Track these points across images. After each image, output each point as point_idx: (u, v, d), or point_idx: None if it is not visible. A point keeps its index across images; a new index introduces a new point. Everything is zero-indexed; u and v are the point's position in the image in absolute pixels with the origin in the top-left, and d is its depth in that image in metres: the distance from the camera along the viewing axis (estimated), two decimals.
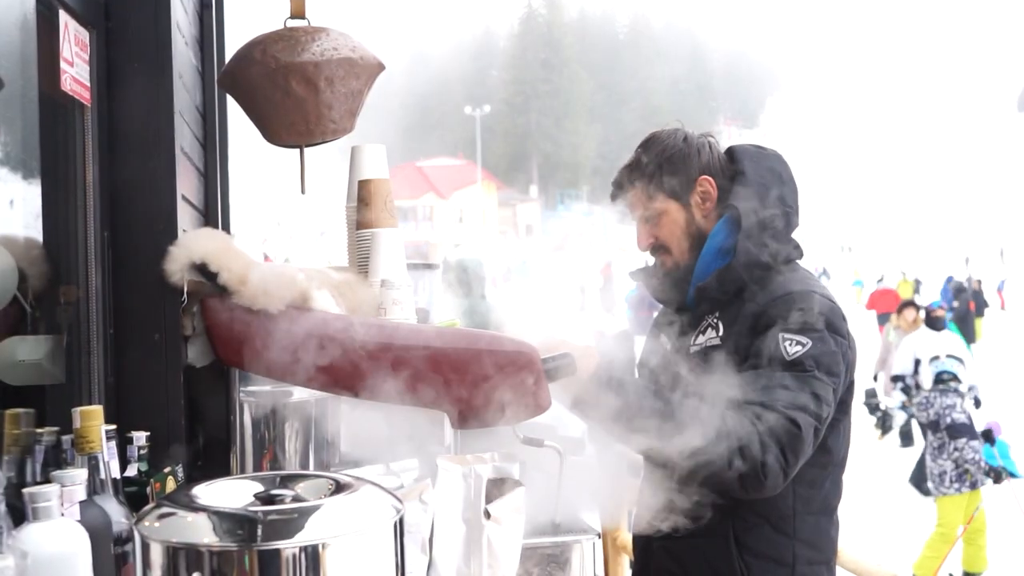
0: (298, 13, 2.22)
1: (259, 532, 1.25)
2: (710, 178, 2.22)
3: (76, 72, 1.86)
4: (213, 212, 3.04)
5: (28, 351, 2.01)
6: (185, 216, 2.37)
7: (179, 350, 2.09)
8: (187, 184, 2.41)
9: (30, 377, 2.01)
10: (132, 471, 1.95)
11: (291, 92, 2.11)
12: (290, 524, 1.27)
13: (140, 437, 1.96)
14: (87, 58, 1.94)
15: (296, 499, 1.34)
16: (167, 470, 1.95)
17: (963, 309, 20.69)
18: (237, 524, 1.26)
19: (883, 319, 20.38)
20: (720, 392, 2.02)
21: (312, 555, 1.26)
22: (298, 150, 2.28)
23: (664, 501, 2.10)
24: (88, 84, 1.94)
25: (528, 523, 1.98)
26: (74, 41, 1.85)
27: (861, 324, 20.98)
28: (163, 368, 2.08)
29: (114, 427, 1.76)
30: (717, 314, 2.17)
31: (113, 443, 1.76)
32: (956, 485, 6.99)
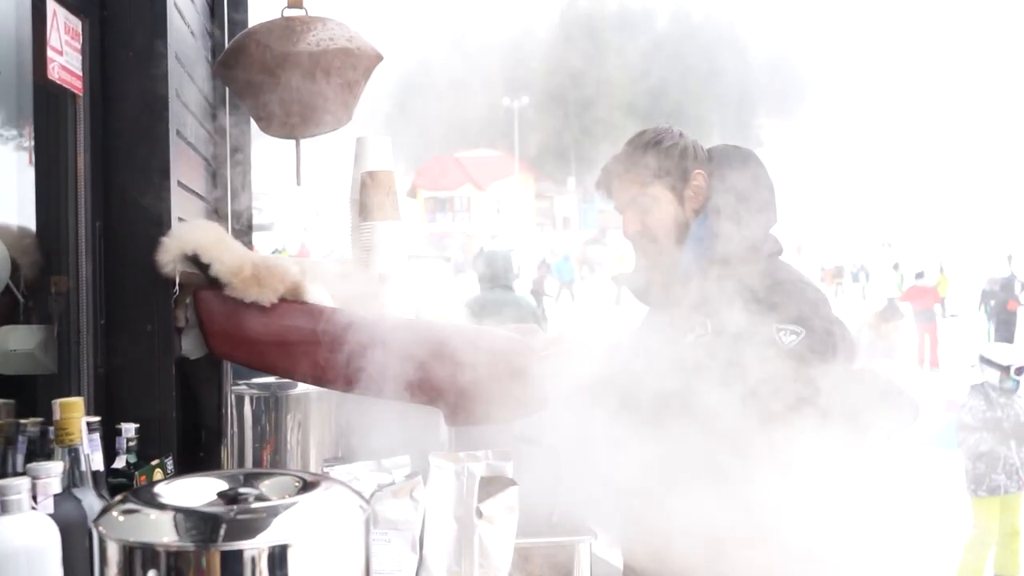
0: (296, 3, 2.19)
1: (218, 531, 1.22)
2: (703, 172, 2.22)
3: (65, 61, 1.85)
4: (223, 203, 3.03)
5: (20, 340, 2.01)
6: (186, 205, 2.35)
7: (171, 341, 2.08)
8: (188, 173, 2.39)
9: (22, 367, 2.01)
10: (120, 463, 1.94)
11: (285, 83, 2.08)
12: (251, 524, 1.24)
13: (129, 429, 1.95)
14: (79, 47, 1.93)
15: (260, 498, 1.31)
16: (154, 463, 1.94)
17: (1000, 307, 20.22)
18: (196, 523, 1.23)
19: (920, 317, 20.03)
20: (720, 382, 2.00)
21: (273, 556, 1.23)
22: (298, 142, 2.24)
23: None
24: (80, 73, 1.93)
25: (524, 523, 1.96)
26: (63, 30, 1.84)
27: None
28: (155, 359, 2.06)
29: (98, 419, 1.75)
30: (704, 311, 2.15)
31: (97, 435, 1.75)
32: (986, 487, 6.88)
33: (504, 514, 1.95)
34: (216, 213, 2.97)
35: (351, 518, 1.31)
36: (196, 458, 2.21)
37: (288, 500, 1.30)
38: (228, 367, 2.29)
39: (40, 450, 1.82)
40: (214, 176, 2.99)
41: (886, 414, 2.20)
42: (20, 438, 1.78)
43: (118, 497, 1.34)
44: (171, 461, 2.02)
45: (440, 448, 2.18)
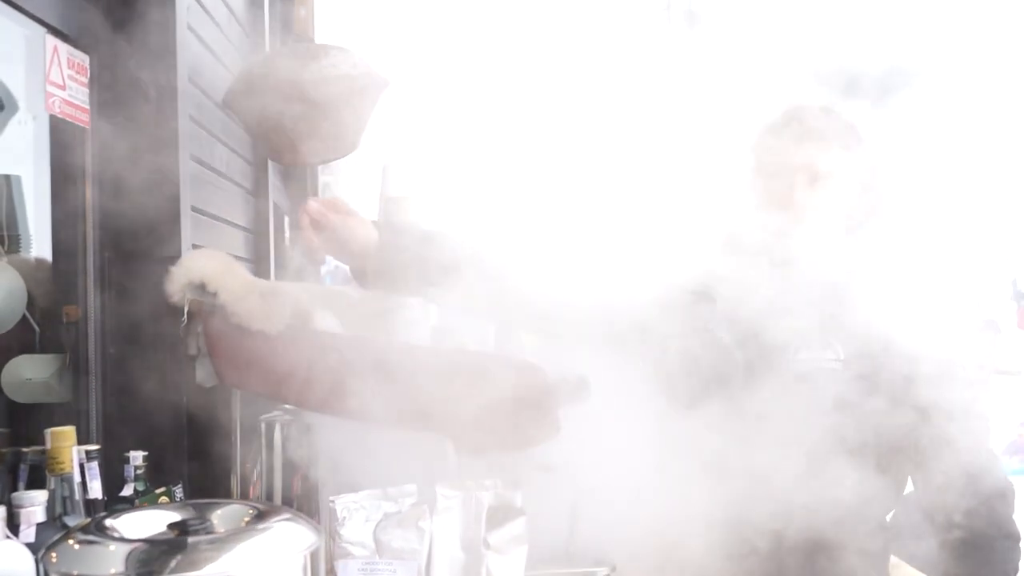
0: (303, 31, 2.20)
1: (158, 565, 1.21)
2: None
3: (68, 95, 1.88)
4: (263, 230, 3.05)
5: (35, 370, 2.05)
6: (209, 232, 2.37)
7: (181, 370, 2.09)
8: (213, 200, 2.41)
9: (37, 395, 2.05)
10: (128, 491, 1.95)
11: (291, 111, 2.08)
12: (192, 558, 1.22)
13: (136, 457, 1.96)
14: (86, 81, 1.96)
15: (207, 531, 1.29)
16: (159, 490, 1.95)
17: None
18: (137, 557, 1.22)
19: None
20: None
21: None
22: (308, 169, 2.25)
23: None
24: (86, 107, 1.97)
25: (540, 553, 1.91)
26: (67, 64, 1.87)
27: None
28: (164, 388, 2.08)
29: (97, 447, 1.77)
30: (839, 331, 1.81)
31: (96, 463, 1.77)
32: None
33: (512, 544, 1.91)
34: (256, 239, 3.00)
35: (296, 552, 1.28)
36: (207, 486, 2.21)
37: (232, 534, 1.28)
38: (239, 395, 2.28)
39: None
40: (257, 205, 3.02)
41: None
42: (22, 466, 1.80)
43: (74, 526, 1.35)
44: (180, 489, 2.03)
45: (451, 476, 2.14)
